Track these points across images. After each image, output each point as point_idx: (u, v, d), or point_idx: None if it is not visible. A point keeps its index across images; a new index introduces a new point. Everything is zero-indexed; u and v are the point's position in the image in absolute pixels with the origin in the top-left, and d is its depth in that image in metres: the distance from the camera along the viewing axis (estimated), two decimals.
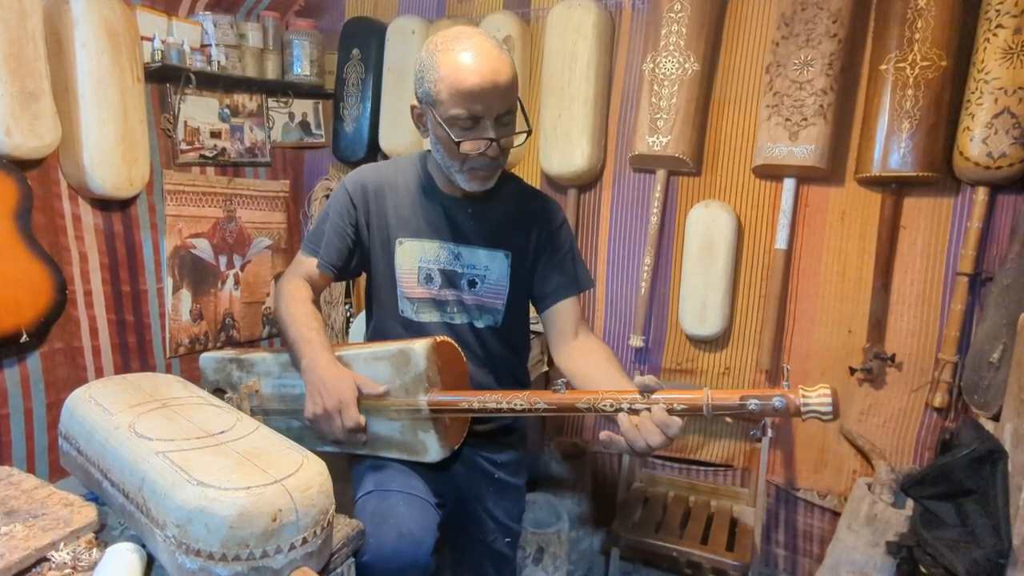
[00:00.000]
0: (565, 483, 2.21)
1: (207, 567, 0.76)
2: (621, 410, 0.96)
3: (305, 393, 1.14)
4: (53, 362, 1.85)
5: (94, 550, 0.85)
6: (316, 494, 0.84)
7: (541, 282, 1.32)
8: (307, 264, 1.31)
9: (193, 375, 2.29)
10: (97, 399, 1.02)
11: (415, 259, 1.27)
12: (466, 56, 1.07)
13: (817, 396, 0.86)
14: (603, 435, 0.97)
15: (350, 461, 1.29)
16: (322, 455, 0.94)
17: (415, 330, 1.28)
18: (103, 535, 0.91)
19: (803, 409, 0.86)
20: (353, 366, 1.17)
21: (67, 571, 0.81)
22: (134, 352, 2.09)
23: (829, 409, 0.85)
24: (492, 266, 1.28)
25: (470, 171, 1.16)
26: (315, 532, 0.83)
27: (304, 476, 0.84)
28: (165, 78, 2.11)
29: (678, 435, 0.94)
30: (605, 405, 0.96)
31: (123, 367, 2.06)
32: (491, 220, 1.28)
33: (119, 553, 0.80)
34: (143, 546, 0.85)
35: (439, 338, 1.17)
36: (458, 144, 1.11)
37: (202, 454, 0.86)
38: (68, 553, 0.83)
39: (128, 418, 0.95)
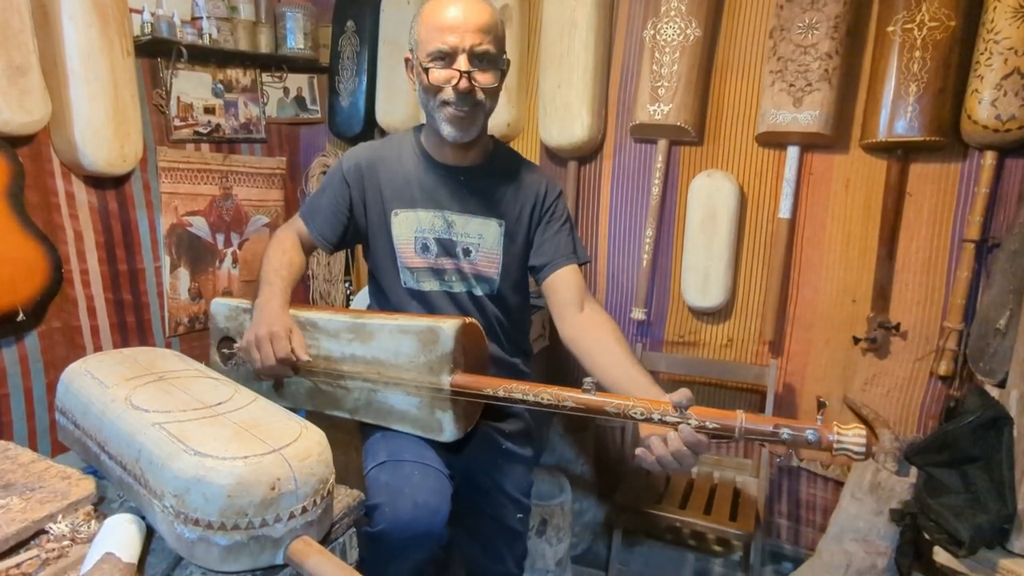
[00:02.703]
0: (568, 455, 2.21)
1: (206, 536, 0.75)
2: (651, 419, 0.94)
3: (304, 342, 1.17)
4: (51, 341, 1.84)
5: (92, 522, 0.84)
6: (315, 463, 0.82)
7: (537, 252, 1.33)
8: (302, 229, 1.35)
9: (194, 354, 2.29)
10: (93, 373, 1.01)
11: (411, 229, 1.29)
12: None
13: (852, 435, 0.86)
14: (638, 451, 0.97)
15: (361, 430, 1.30)
16: (324, 427, 0.92)
17: (420, 300, 1.31)
18: (102, 507, 0.90)
19: (835, 446, 0.87)
20: (378, 336, 1.16)
21: (66, 543, 0.80)
22: (133, 331, 2.08)
23: (862, 450, 0.86)
24: (485, 234, 1.30)
25: (445, 110, 1.19)
26: (315, 501, 0.82)
27: (303, 445, 0.83)
28: (156, 52, 2.07)
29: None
30: (635, 412, 0.95)
31: (122, 346, 2.04)
32: (484, 189, 1.30)
33: (118, 524, 0.80)
34: (143, 518, 0.85)
35: (467, 320, 1.17)
36: (427, 72, 1.16)
37: (199, 425, 0.85)
38: (67, 525, 0.82)
39: (124, 391, 0.94)
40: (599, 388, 1.01)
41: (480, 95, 1.18)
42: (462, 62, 1.14)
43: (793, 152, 1.87)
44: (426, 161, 1.30)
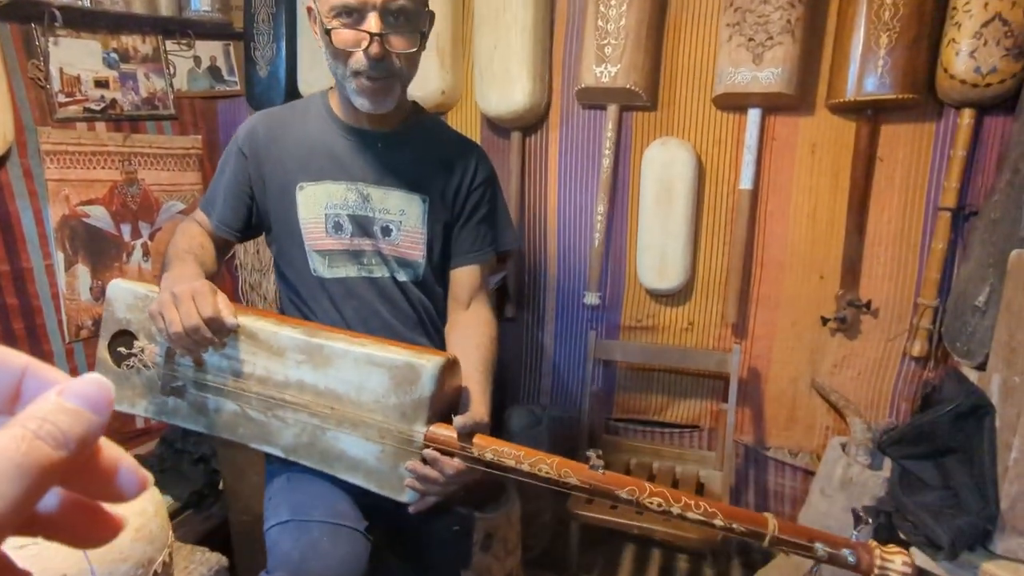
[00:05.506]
0: None
1: None
2: (669, 513, 0.84)
3: (232, 307, 0.95)
4: None
5: None
6: (130, 544, 0.63)
7: (453, 240, 1.18)
8: (204, 220, 1.18)
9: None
10: None
11: (320, 206, 1.10)
12: None
13: (899, 564, 0.78)
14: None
15: (267, 464, 1.12)
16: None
17: (336, 288, 1.12)
18: None
19: (876, 572, 0.78)
20: (338, 363, 0.94)
21: None
22: (22, 340, 1.83)
23: None
24: (408, 210, 1.12)
25: (356, 79, 1.00)
26: None
27: None
28: (27, 16, 1.77)
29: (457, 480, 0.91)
30: (652, 503, 0.84)
31: None
32: (405, 160, 1.12)
33: None
34: None
35: (451, 356, 0.97)
36: (329, 32, 0.96)
37: None
38: None
39: None
40: (605, 466, 0.88)
41: (397, 62, 0.99)
42: (372, 21, 0.95)
43: (754, 115, 1.69)
44: (337, 126, 1.12)
